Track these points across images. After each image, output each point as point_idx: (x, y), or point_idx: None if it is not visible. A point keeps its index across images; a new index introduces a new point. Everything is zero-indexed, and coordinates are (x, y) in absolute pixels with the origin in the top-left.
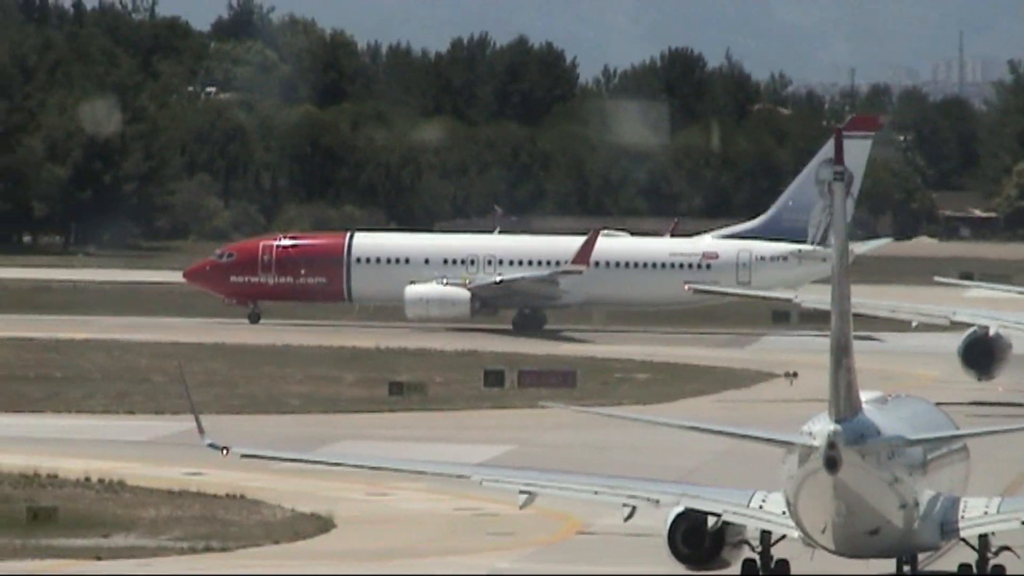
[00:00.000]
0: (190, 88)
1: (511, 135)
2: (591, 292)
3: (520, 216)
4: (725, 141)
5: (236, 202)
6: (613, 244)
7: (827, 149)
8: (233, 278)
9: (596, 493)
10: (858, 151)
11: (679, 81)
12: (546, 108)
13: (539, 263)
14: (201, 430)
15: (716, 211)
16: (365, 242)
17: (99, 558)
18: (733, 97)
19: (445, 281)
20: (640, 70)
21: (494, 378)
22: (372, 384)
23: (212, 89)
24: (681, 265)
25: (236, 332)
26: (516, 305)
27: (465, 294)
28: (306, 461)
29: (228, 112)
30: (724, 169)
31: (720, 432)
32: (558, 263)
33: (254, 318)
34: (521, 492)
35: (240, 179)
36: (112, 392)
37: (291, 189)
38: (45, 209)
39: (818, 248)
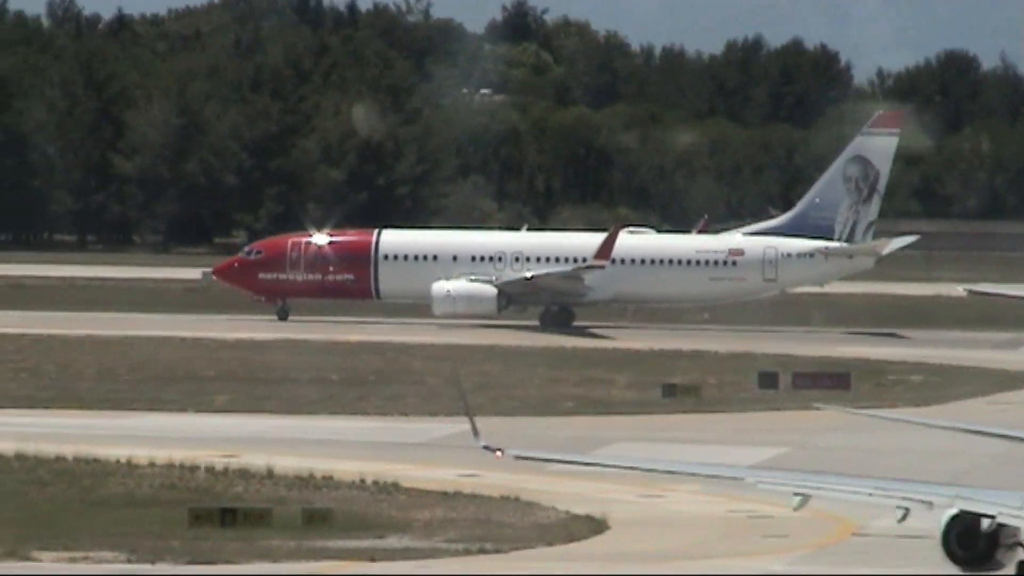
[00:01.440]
0: (464, 90)
1: (785, 137)
2: (618, 289)
3: None
4: (998, 143)
5: (509, 204)
6: (640, 241)
7: (854, 146)
8: (261, 275)
9: (870, 495)
10: (885, 148)
11: (953, 83)
12: (820, 111)
13: (566, 260)
14: (475, 432)
15: (989, 213)
16: (393, 239)
17: (373, 559)
18: (1008, 99)
19: (472, 278)
20: (914, 72)
21: (768, 380)
22: (645, 386)
23: (486, 91)
24: (707, 262)
25: (513, 334)
26: (543, 302)
27: (492, 291)
28: (580, 463)
29: (502, 114)
30: (998, 171)
31: (994, 434)
32: (584, 259)
33: (283, 315)
34: (795, 494)
35: (514, 181)
36: (387, 394)
37: (564, 191)
38: (319, 211)
39: (844, 245)
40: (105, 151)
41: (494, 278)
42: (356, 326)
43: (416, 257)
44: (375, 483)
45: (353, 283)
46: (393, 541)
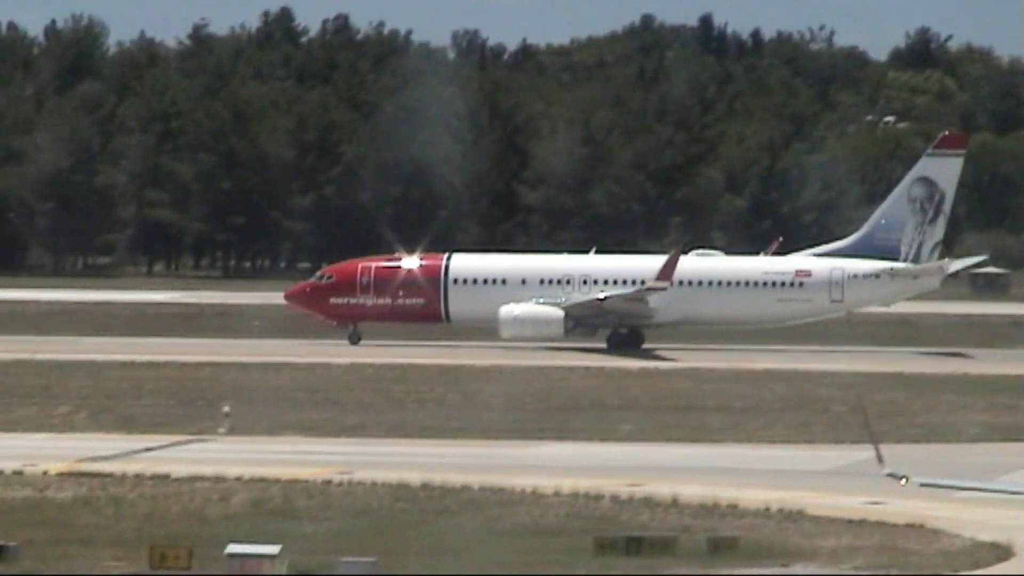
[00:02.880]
0: (868, 118)
1: None
2: (685, 311)
3: None
4: None
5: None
6: (707, 263)
7: (919, 167)
8: (333, 300)
9: None
10: (949, 169)
11: None
12: None
13: (633, 282)
14: (880, 459)
15: None
16: (462, 263)
17: None
18: None
19: (540, 301)
20: None
21: None
22: None
23: (890, 119)
24: (774, 283)
25: (910, 360)
26: (610, 324)
27: (559, 313)
28: (985, 490)
29: (907, 141)
30: None
31: None
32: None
33: (354, 339)
34: None
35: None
36: (793, 422)
37: (969, 217)
38: (723, 239)
39: (910, 266)
40: (510, 181)
41: (561, 301)
42: (761, 352)
43: (485, 281)
44: (780, 511)
45: (423, 307)
46: (798, 569)
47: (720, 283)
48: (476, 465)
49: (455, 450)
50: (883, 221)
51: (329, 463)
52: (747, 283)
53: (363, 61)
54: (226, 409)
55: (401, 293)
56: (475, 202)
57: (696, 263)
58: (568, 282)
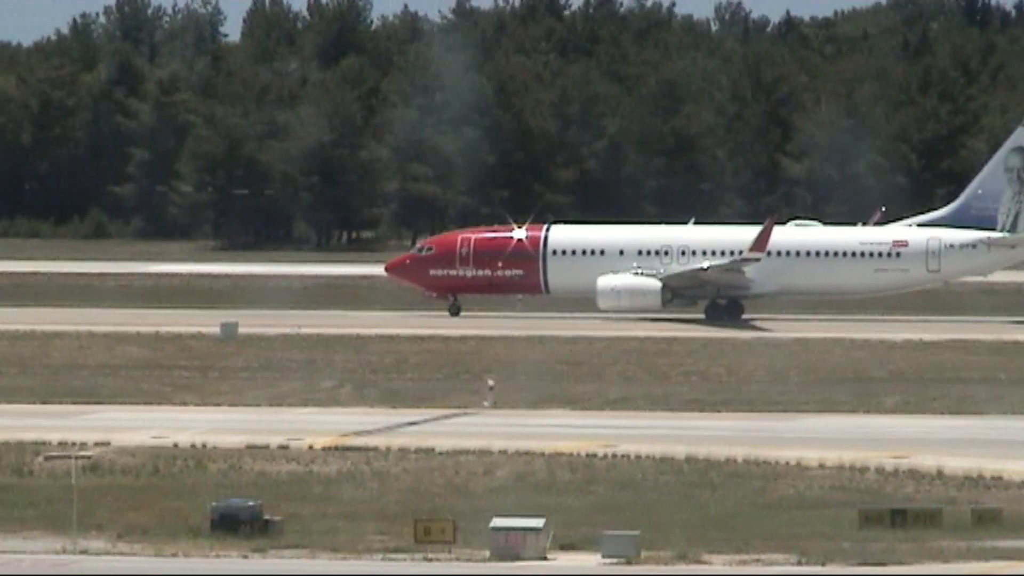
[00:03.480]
0: None
1: None
2: (784, 281)
3: None
4: None
5: None
6: (805, 234)
7: (1016, 137)
8: (432, 271)
9: None
10: None
11: None
12: None
13: (730, 253)
14: None
15: None
16: (561, 235)
17: None
18: None
19: (639, 272)
20: None
21: None
22: None
23: None
24: (871, 254)
25: None
26: (708, 295)
27: (656, 284)
28: None
29: None
30: None
31: None
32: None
33: (454, 311)
34: None
35: None
36: None
37: None
38: None
39: (1007, 235)
40: (773, 154)
41: (659, 271)
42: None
43: (584, 252)
44: None
45: (522, 278)
46: None
47: (817, 253)
48: (740, 438)
49: (719, 423)
50: (980, 191)
51: (593, 436)
52: (844, 253)
53: (625, 35)
54: (491, 383)
55: (500, 264)
56: (738, 175)
57: (793, 234)
58: (666, 253)
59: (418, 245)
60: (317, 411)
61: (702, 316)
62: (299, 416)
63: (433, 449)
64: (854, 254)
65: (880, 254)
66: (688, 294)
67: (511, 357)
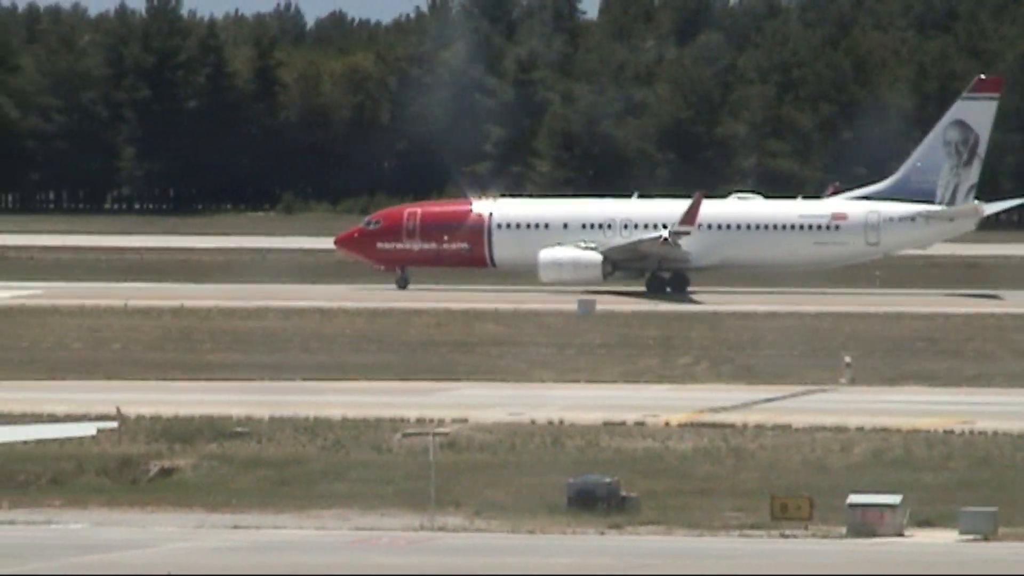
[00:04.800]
0: None
1: None
2: (724, 254)
3: None
4: None
5: None
6: (745, 207)
7: (954, 111)
8: (380, 244)
9: None
10: (984, 113)
11: None
12: None
13: (666, 227)
14: None
15: None
16: (506, 209)
17: None
18: None
19: (582, 246)
20: None
21: None
22: None
23: None
24: (811, 227)
25: None
26: (649, 268)
27: (597, 257)
28: None
29: None
30: None
31: None
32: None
33: (402, 283)
34: None
35: None
36: None
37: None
38: None
39: (946, 208)
40: None
41: (598, 245)
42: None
43: (528, 226)
44: None
45: (468, 252)
46: None
47: (757, 227)
48: None
49: None
50: (919, 164)
51: (950, 413)
52: (784, 227)
53: (983, 10)
54: (847, 359)
55: (446, 238)
56: None
57: (734, 207)
58: (609, 227)
59: (366, 219)
60: (673, 387)
61: (643, 289)
62: (655, 392)
63: (790, 426)
64: (793, 227)
65: (819, 227)
66: (629, 267)
67: (868, 333)
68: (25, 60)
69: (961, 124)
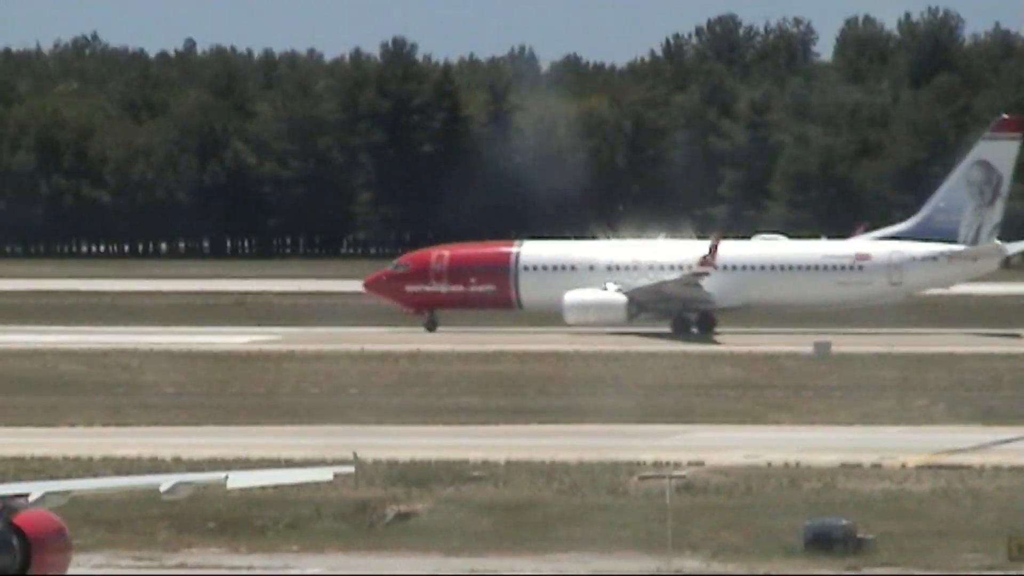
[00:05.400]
0: None
1: None
2: (747, 295)
3: None
4: None
5: None
6: (768, 247)
7: (978, 151)
8: (408, 288)
9: None
10: (1006, 152)
11: None
12: None
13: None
14: None
15: None
16: (533, 251)
17: None
18: None
19: (605, 287)
20: None
21: None
22: None
23: None
24: (834, 267)
25: None
26: (673, 309)
27: (621, 299)
28: None
29: None
30: None
31: None
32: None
33: (431, 326)
34: None
35: None
36: None
37: None
38: None
39: (968, 248)
40: None
41: (622, 287)
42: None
43: (555, 267)
44: None
45: (495, 293)
46: None
47: (781, 267)
48: None
49: None
50: (942, 204)
51: None
52: (807, 267)
53: None
54: None
55: (473, 280)
56: None
57: (757, 247)
58: (635, 268)
59: (394, 262)
60: (910, 429)
61: (668, 330)
62: (892, 434)
63: None
64: (816, 267)
65: (843, 267)
66: (654, 308)
67: None
68: (262, 106)
69: (984, 164)
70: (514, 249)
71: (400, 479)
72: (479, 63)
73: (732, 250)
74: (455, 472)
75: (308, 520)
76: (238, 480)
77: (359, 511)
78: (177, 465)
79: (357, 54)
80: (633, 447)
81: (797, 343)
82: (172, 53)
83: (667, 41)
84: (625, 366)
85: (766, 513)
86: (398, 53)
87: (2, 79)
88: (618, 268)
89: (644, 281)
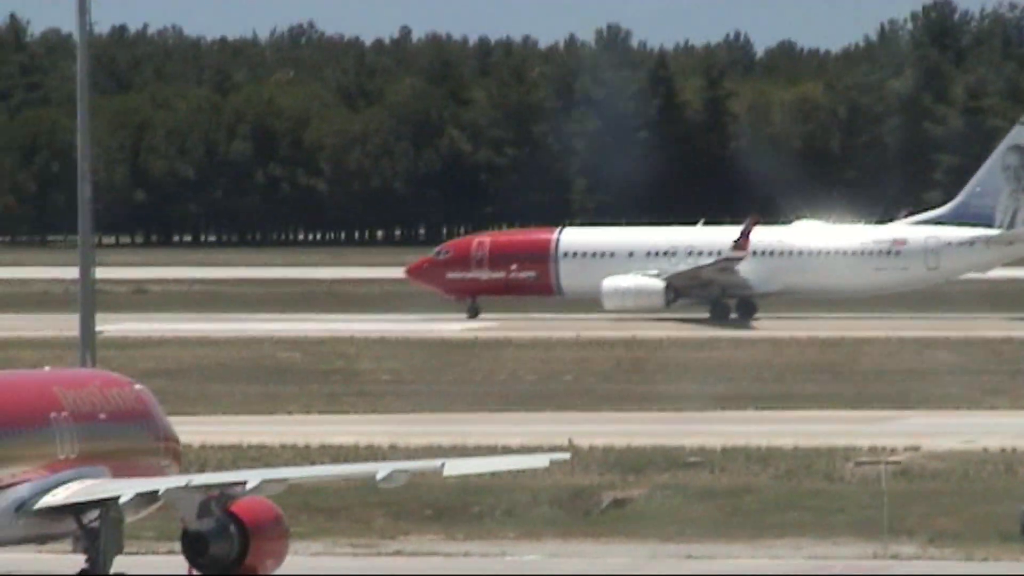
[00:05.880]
0: None
1: None
2: (785, 280)
3: None
4: None
5: None
6: (805, 233)
7: (1014, 135)
8: (450, 274)
9: None
10: None
11: None
12: None
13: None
14: None
15: None
16: (573, 237)
17: None
18: None
19: (643, 273)
20: None
21: None
22: None
23: None
24: (872, 252)
25: None
26: (712, 294)
27: (659, 284)
28: None
29: None
30: None
31: None
32: (755, 253)
33: (473, 312)
34: None
35: None
36: None
37: None
38: None
39: (1004, 232)
40: None
41: (661, 272)
42: None
43: (594, 254)
44: None
45: (535, 280)
46: None
47: (818, 253)
48: None
49: None
50: (978, 189)
51: None
52: (845, 252)
53: None
54: None
55: (514, 267)
56: None
57: (795, 233)
58: (674, 254)
59: (436, 249)
60: None
61: (707, 316)
62: None
63: None
64: (855, 253)
65: (880, 252)
66: (692, 294)
67: None
68: (477, 93)
69: (1020, 149)
70: (554, 236)
71: (615, 465)
72: (694, 49)
73: (769, 236)
74: (671, 458)
75: (524, 507)
76: (454, 467)
77: (575, 498)
78: (393, 452)
79: (572, 41)
80: (848, 433)
81: (1011, 328)
82: (387, 41)
83: (882, 26)
84: (840, 352)
85: (982, 499)
86: (613, 39)
87: (219, 68)
88: (657, 254)
89: (682, 267)
